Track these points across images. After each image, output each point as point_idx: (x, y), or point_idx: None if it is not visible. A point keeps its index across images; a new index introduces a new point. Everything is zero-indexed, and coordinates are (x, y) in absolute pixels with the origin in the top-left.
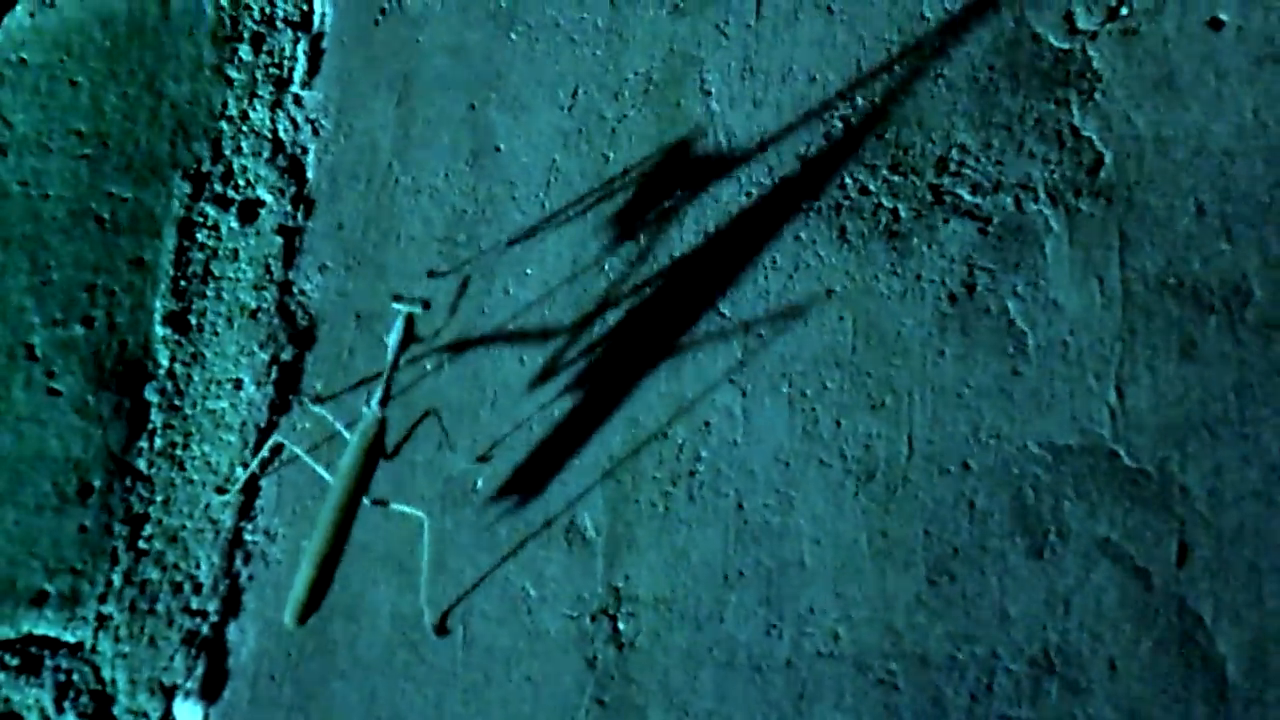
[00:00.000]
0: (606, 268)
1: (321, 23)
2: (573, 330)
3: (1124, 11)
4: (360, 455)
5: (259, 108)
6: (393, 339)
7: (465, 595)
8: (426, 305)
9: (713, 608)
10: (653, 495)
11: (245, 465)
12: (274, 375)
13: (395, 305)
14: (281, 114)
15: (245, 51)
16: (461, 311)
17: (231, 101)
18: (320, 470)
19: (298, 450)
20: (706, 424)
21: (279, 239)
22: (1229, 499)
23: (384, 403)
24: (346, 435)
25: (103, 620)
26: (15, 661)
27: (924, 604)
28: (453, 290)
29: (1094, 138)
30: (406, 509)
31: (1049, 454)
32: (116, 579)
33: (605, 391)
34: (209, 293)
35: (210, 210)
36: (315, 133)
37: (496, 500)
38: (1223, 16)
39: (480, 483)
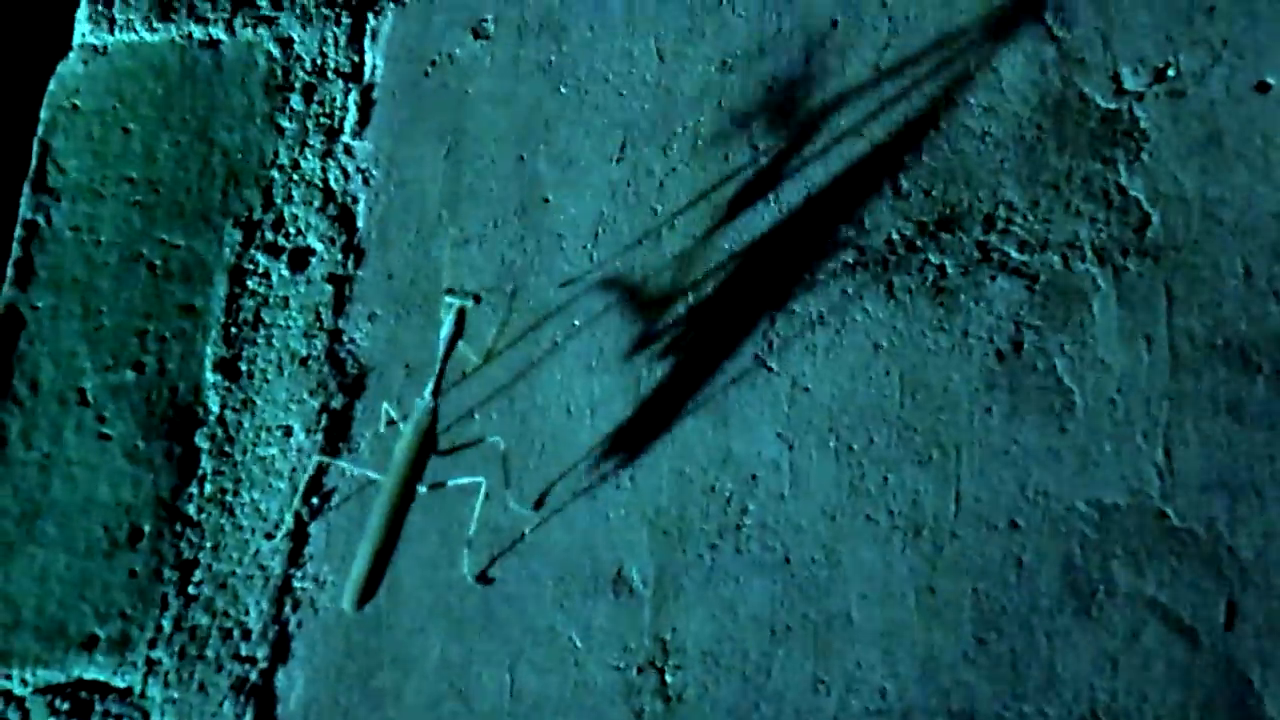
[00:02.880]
0: (653, 319)
1: (372, 74)
2: (619, 381)
3: (1171, 73)
4: (414, 443)
5: (310, 157)
6: (445, 331)
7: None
8: (478, 299)
9: (760, 662)
10: (700, 548)
11: (296, 512)
12: (324, 423)
13: (448, 298)
14: (332, 163)
15: (297, 101)
16: (509, 358)
17: (283, 150)
18: (369, 473)
19: (343, 464)
20: (753, 477)
21: (329, 287)
22: (1277, 560)
23: (436, 393)
24: (400, 426)
25: (152, 665)
26: (65, 706)
27: (971, 661)
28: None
29: (1141, 197)
30: (465, 480)
31: (1097, 512)
32: (166, 624)
33: (652, 443)
34: (259, 340)
35: (261, 258)
36: (365, 182)
37: (543, 549)
38: (1270, 80)
39: (527, 531)
